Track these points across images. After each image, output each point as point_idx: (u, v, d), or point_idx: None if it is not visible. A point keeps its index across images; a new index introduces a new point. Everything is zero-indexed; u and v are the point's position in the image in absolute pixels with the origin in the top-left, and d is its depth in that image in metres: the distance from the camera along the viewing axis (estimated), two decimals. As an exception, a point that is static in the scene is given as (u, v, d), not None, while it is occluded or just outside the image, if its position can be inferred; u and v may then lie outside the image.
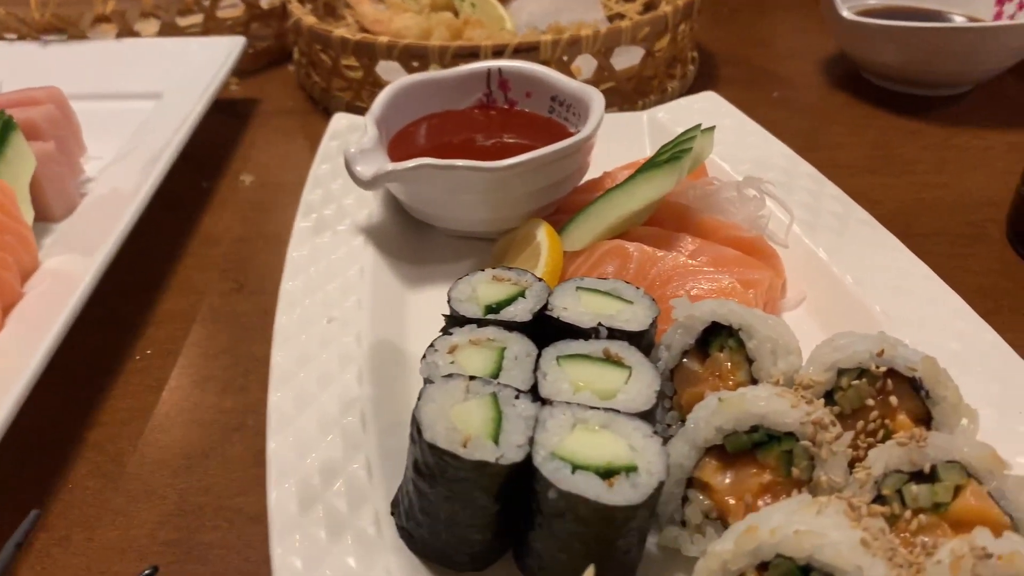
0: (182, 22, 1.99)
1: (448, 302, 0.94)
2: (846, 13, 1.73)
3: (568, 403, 0.79)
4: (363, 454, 0.89)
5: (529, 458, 0.74)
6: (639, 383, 0.82)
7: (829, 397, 0.85)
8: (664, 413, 0.92)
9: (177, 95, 1.62)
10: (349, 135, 1.43)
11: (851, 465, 0.80)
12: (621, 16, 2.07)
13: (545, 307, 0.92)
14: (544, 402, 0.79)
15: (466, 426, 0.75)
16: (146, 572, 0.79)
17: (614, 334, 0.88)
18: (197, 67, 1.70)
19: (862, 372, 0.84)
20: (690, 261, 1.09)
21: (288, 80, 2.00)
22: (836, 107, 1.82)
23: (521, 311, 0.92)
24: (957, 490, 0.73)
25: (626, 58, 1.70)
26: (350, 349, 1.03)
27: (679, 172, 1.12)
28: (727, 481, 0.79)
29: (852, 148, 1.65)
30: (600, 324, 0.89)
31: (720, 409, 0.78)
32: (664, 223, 1.19)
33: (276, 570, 0.77)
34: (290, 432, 0.91)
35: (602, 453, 0.74)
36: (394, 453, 0.89)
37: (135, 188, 1.31)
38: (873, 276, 1.11)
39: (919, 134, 1.68)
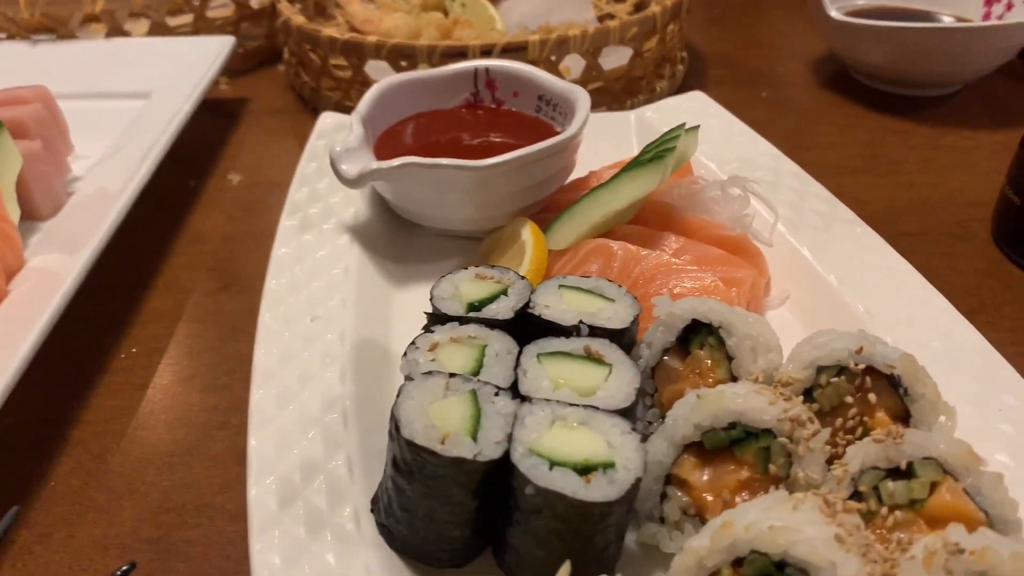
0: (172, 22, 1.99)
1: (431, 300, 0.94)
2: (834, 13, 1.73)
3: (547, 400, 0.79)
4: (344, 452, 0.89)
5: (507, 455, 0.74)
6: (619, 380, 0.83)
7: (808, 394, 0.85)
8: (645, 410, 0.92)
9: (166, 94, 1.62)
10: (336, 134, 1.43)
11: (830, 462, 0.80)
12: (611, 16, 2.07)
13: (527, 305, 0.92)
14: (524, 399, 0.80)
15: (444, 423, 0.75)
16: (124, 568, 0.79)
17: (595, 332, 0.89)
18: (186, 67, 1.69)
19: (841, 370, 0.84)
20: (674, 260, 1.10)
21: (278, 80, 2.00)
22: (825, 107, 1.82)
23: (503, 309, 0.92)
24: (933, 486, 0.74)
25: (615, 58, 1.71)
26: (333, 347, 1.03)
27: (663, 171, 1.12)
28: (705, 478, 0.79)
29: (840, 148, 1.66)
30: (581, 322, 0.89)
31: (698, 406, 0.79)
32: (649, 222, 1.19)
33: (255, 567, 0.78)
34: (271, 429, 0.91)
35: (580, 449, 0.74)
36: (376, 451, 0.89)
37: (122, 187, 1.31)
38: (857, 275, 1.12)
39: (907, 134, 1.69)
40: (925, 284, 1.09)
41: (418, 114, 1.37)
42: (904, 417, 0.83)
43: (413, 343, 0.86)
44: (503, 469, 0.74)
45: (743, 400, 0.78)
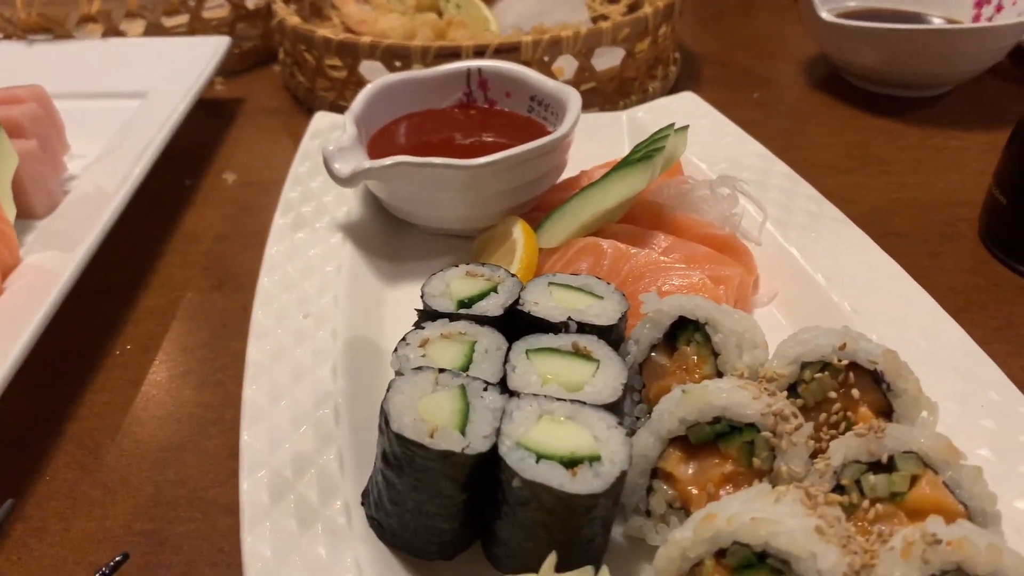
0: (168, 22, 2.01)
1: (422, 297, 0.95)
2: (825, 15, 1.75)
3: (535, 395, 0.80)
4: (335, 447, 0.90)
5: (495, 448, 0.75)
6: (606, 376, 0.84)
7: (793, 390, 0.86)
8: (633, 406, 0.93)
9: (162, 94, 1.63)
10: (330, 134, 1.44)
11: (815, 456, 0.81)
12: (605, 18, 2.08)
13: (517, 302, 0.93)
14: (512, 394, 0.81)
15: (433, 417, 0.77)
16: (117, 559, 0.80)
17: (583, 328, 0.90)
18: (182, 67, 1.71)
19: (825, 365, 0.85)
20: (662, 258, 1.11)
21: (273, 80, 2.01)
22: (816, 108, 1.84)
23: (493, 306, 0.93)
24: (914, 480, 0.75)
25: (608, 59, 1.72)
26: (325, 344, 1.04)
27: (652, 170, 1.13)
28: (690, 471, 0.80)
29: (830, 148, 1.67)
30: (570, 318, 0.90)
31: (683, 401, 0.80)
32: (639, 221, 1.20)
33: (246, 559, 0.79)
34: (264, 424, 0.92)
35: (566, 443, 0.75)
36: (367, 446, 0.90)
37: (117, 186, 1.32)
38: (844, 274, 1.13)
39: (897, 135, 1.70)
40: (912, 283, 1.11)
41: (411, 114, 1.39)
42: (887, 412, 0.84)
43: (404, 339, 0.88)
44: (491, 462, 0.76)
45: (727, 395, 0.79)
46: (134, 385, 1.14)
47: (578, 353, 0.86)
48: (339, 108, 1.67)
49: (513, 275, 0.98)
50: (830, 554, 0.66)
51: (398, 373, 0.83)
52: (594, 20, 2.06)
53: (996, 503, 0.74)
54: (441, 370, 0.81)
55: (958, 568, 0.65)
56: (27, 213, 1.33)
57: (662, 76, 1.85)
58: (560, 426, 0.77)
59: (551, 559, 0.71)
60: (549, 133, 1.23)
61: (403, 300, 1.16)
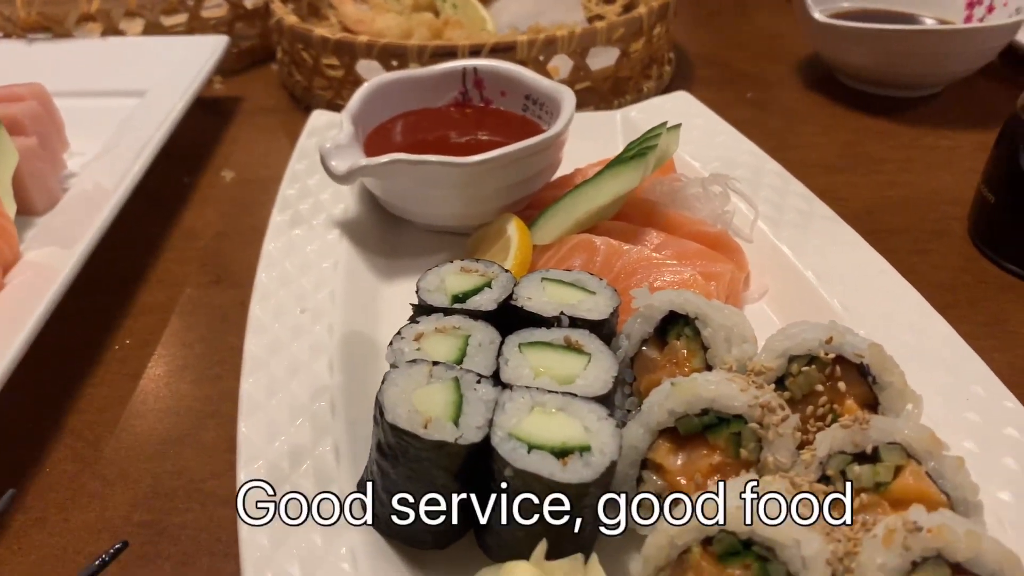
0: (167, 21, 2.02)
1: (417, 292, 0.96)
2: (818, 15, 1.77)
3: (527, 387, 0.82)
4: (331, 439, 0.92)
5: (488, 439, 0.77)
6: (597, 369, 0.85)
7: (781, 383, 0.88)
8: (624, 399, 0.95)
9: (161, 93, 1.65)
10: (327, 132, 1.46)
11: (802, 447, 0.83)
12: (600, 18, 2.10)
13: (510, 297, 0.95)
14: (505, 387, 0.82)
15: (427, 408, 0.78)
16: (116, 547, 0.82)
17: (575, 323, 0.91)
18: (181, 66, 1.72)
19: (812, 359, 0.87)
20: (654, 254, 1.12)
21: (271, 79, 2.03)
22: (809, 107, 1.85)
23: (486, 300, 0.94)
24: (897, 470, 0.76)
25: (603, 58, 1.74)
26: (322, 339, 1.06)
27: (644, 168, 1.15)
28: (679, 462, 0.82)
29: (823, 148, 1.69)
30: (562, 313, 0.92)
31: (672, 393, 0.81)
32: (631, 218, 1.22)
33: (244, 548, 0.80)
34: (261, 417, 0.94)
35: (557, 434, 0.77)
36: (362, 439, 0.91)
37: (116, 183, 1.34)
38: (834, 271, 1.15)
39: (889, 134, 1.72)
40: (900, 280, 1.12)
41: (407, 112, 1.40)
42: (873, 405, 0.86)
43: (399, 333, 0.89)
44: (484, 453, 0.77)
45: (715, 387, 0.81)
46: (133, 379, 1.15)
47: (570, 347, 0.88)
48: (336, 107, 1.68)
49: (507, 270, 0.99)
50: (814, 541, 0.68)
51: (393, 366, 0.84)
52: (590, 20, 2.08)
53: (978, 493, 0.76)
54: (435, 363, 0.83)
55: (938, 554, 0.66)
56: (27, 210, 1.34)
57: (656, 76, 1.86)
58: (551, 417, 0.79)
59: (541, 547, 0.73)
60: (543, 132, 1.24)
61: (398, 296, 1.18)
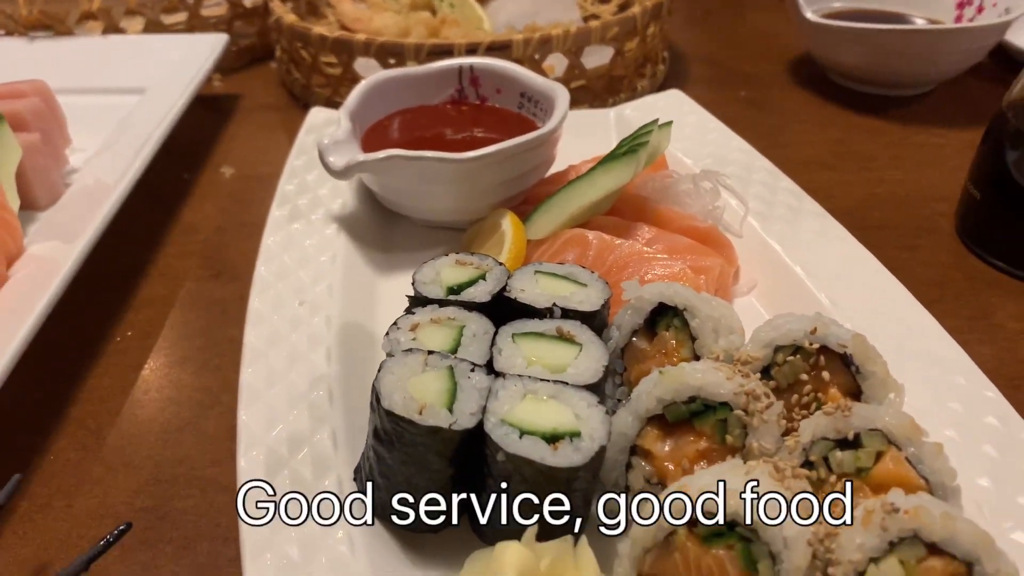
0: (167, 20, 2.04)
1: (413, 284, 0.99)
2: (810, 15, 1.79)
3: (520, 376, 0.84)
4: (329, 426, 0.94)
5: (481, 425, 0.79)
6: (588, 358, 0.88)
7: (767, 372, 0.90)
8: (615, 388, 0.97)
9: (161, 90, 1.66)
10: (325, 129, 1.48)
11: (786, 434, 0.85)
12: (596, 17, 2.12)
13: (504, 289, 0.97)
14: (498, 375, 0.85)
15: (422, 395, 0.80)
16: (120, 528, 0.84)
17: (568, 314, 0.94)
18: (181, 63, 1.74)
19: (797, 349, 0.89)
20: (645, 249, 1.15)
21: (270, 77, 2.05)
22: (801, 106, 1.88)
23: (481, 292, 0.97)
24: (878, 456, 0.79)
25: (597, 57, 1.76)
26: (320, 330, 1.08)
27: (636, 164, 1.17)
28: (667, 448, 0.84)
29: (814, 145, 1.71)
30: (555, 304, 0.94)
31: (660, 381, 0.84)
32: (624, 213, 1.24)
33: (243, 533, 0.82)
34: (260, 405, 0.96)
35: (549, 420, 0.79)
36: (359, 428, 0.93)
37: (118, 179, 1.36)
38: (823, 266, 1.17)
39: (879, 132, 1.74)
40: (887, 275, 1.14)
41: (404, 109, 1.42)
42: (856, 393, 0.88)
43: (395, 323, 0.91)
44: (477, 438, 0.80)
45: (702, 375, 0.83)
46: (134, 370, 1.18)
47: (562, 337, 0.90)
48: (334, 104, 1.70)
49: (501, 263, 1.02)
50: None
51: (389, 355, 0.86)
52: (585, 19, 2.10)
53: (955, 478, 0.78)
54: (430, 352, 0.85)
55: (914, 535, 0.69)
56: (30, 204, 1.36)
57: (651, 74, 1.89)
58: (543, 404, 0.81)
59: (532, 529, 0.75)
60: (538, 129, 1.26)
61: (395, 289, 1.19)
